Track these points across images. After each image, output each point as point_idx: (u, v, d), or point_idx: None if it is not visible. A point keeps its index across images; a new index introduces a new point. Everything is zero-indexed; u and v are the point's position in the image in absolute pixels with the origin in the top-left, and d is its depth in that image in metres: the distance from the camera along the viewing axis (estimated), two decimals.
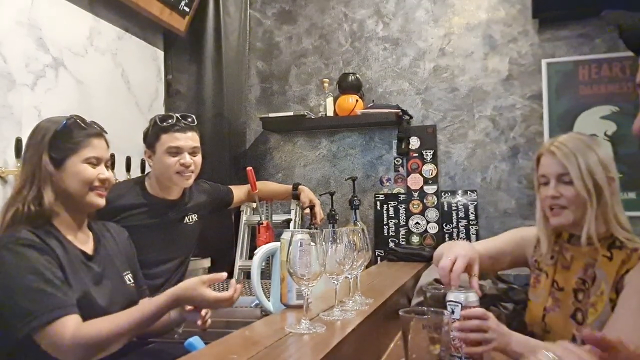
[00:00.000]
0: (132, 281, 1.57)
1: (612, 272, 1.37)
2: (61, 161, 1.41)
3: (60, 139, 1.42)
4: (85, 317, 1.34)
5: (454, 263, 1.37)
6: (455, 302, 1.20)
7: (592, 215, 1.40)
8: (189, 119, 2.09)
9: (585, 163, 1.41)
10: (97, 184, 1.45)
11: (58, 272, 1.31)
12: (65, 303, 1.28)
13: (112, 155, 1.88)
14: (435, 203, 3.20)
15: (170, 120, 2.05)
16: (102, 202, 1.48)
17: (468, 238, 3.10)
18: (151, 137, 2.07)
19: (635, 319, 1.19)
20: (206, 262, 2.96)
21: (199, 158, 2.12)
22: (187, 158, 2.05)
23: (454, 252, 1.41)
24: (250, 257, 2.52)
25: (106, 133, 1.54)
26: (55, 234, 1.39)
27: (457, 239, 3.09)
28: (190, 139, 2.07)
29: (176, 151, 2.04)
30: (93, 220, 1.58)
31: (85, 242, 1.49)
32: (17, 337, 1.24)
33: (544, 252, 1.54)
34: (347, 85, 3.25)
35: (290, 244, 1.15)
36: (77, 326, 1.27)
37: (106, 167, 1.49)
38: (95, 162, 1.45)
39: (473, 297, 1.21)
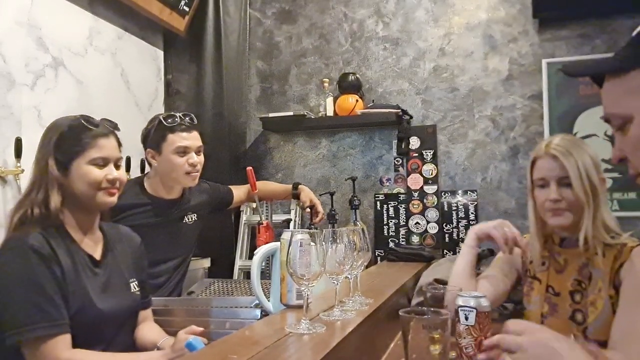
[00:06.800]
0: (137, 289, 1.55)
1: (606, 269, 1.39)
2: (66, 164, 1.39)
3: (66, 141, 1.40)
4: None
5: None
6: (468, 307, 1.13)
7: (590, 216, 1.40)
8: (189, 118, 2.10)
9: (582, 164, 1.42)
10: (105, 185, 1.42)
11: (59, 286, 1.30)
12: (57, 322, 1.27)
13: None
14: (436, 203, 3.20)
15: (175, 120, 2.06)
16: (113, 200, 1.45)
17: None
18: (156, 137, 2.07)
19: (632, 311, 1.20)
20: (206, 262, 2.96)
21: (202, 157, 2.14)
22: (194, 157, 2.07)
23: (500, 224, 1.57)
24: (250, 257, 2.52)
25: (118, 131, 1.51)
26: (63, 238, 1.38)
27: (458, 239, 3.09)
28: (196, 138, 2.10)
29: (184, 151, 2.05)
30: (106, 222, 1.56)
31: (93, 245, 1.48)
32: (5, 344, 1.23)
33: (535, 256, 1.53)
34: (347, 85, 3.24)
35: (290, 244, 1.15)
36: (72, 352, 1.27)
37: (117, 166, 1.46)
38: (102, 163, 1.42)
39: (485, 301, 1.14)
